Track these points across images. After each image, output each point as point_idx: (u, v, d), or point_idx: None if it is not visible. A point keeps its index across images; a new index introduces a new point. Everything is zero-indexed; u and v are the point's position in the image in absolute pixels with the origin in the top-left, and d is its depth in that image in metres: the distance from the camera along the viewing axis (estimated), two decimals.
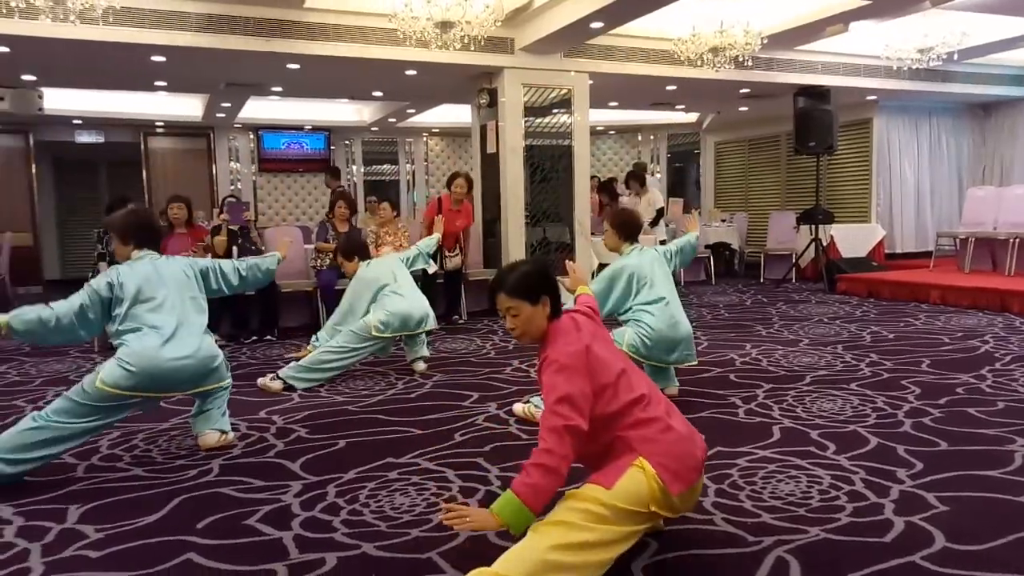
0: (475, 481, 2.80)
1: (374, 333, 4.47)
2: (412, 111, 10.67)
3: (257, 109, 10.22)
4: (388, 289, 4.66)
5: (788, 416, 3.56)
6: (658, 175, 12.55)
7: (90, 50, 6.06)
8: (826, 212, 8.95)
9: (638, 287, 3.82)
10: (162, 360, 2.95)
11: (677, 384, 4.01)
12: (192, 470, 3.00)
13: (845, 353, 4.98)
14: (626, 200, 8.45)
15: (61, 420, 2.84)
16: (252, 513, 2.56)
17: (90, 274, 5.66)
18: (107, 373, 2.89)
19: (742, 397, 3.92)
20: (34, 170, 10.75)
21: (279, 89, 8.50)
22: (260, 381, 4.36)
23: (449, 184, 6.88)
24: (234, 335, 6.07)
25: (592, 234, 7.65)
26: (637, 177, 8.31)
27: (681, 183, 13.21)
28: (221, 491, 2.77)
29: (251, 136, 11.68)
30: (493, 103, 7.25)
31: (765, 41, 6.79)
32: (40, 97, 8.53)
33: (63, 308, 2.96)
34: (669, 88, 8.61)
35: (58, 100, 8.99)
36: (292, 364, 4.47)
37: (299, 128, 11.71)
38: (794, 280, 9.38)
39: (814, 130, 8.55)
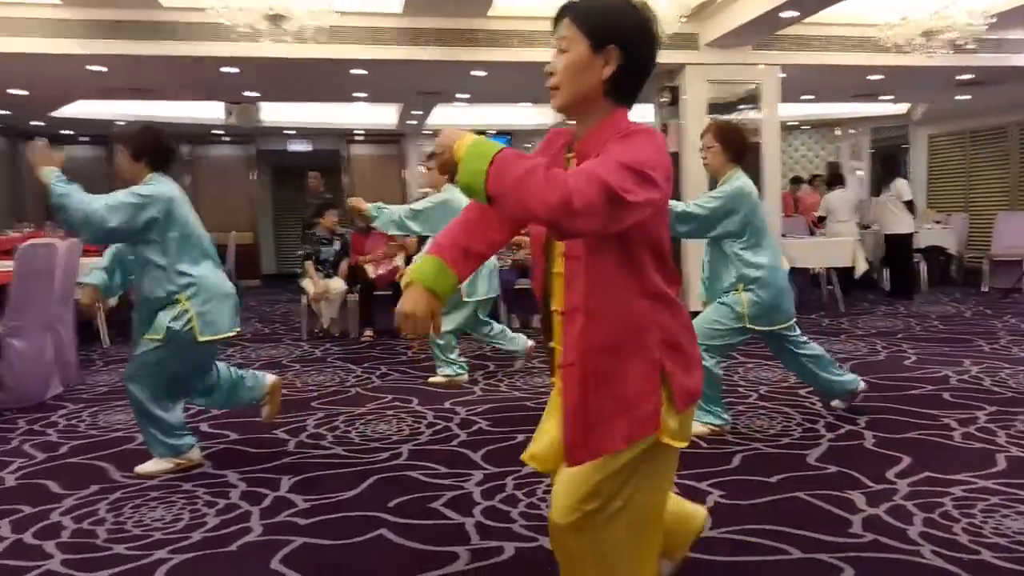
0: None
1: None
2: None
3: (444, 115, 10.77)
4: None
5: (1017, 444, 3.13)
6: (860, 173, 11.56)
7: (302, 66, 6.70)
8: None
9: (752, 227, 3.21)
10: None
11: None
12: (384, 452, 3.21)
13: None
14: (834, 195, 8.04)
15: None
16: (437, 497, 2.69)
17: (298, 270, 6.27)
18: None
19: (958, 419, 3.51)
20: (254, 176, 12.13)
21: (465, 96, 8.89)
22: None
23: None
24: None
25: (783, 235, 7.23)
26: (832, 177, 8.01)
27: (886, 182, 12.02)
28: (410, 474, 2.94)
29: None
30: (675, 101, 7.08)
31: (993, 20, 6.02)
32: (259, 111, 9.60)
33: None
34: (873, 78, 7.92)
35: (274, 113, 10.05)
36: None
37: (483, 132, 12.09)
38: None
39: None
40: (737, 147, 3.31)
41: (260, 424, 3.44)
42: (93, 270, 3.08)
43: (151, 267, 2.85)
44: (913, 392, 4.04)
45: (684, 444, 1.50)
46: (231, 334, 2.99)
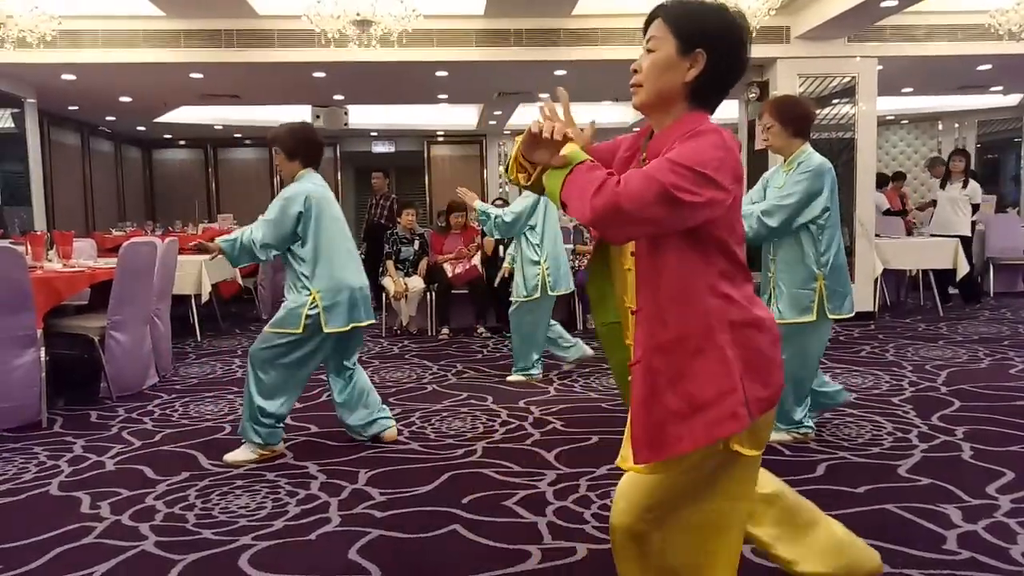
0: None
1: None
2: None
3: (525, 116, 10.80)
4: None
5: None
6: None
7: (387, 70, 6.86)
8: None
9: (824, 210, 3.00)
10: None
11: None
12: (459, 449, 3.25)
13: None
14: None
15: None
16: (510, 495, 2.69)
17: (380, 269, 6.43)
18: None
19: None
20: (339, 177, 12.51)
21: (546, 95, 8.89)
22: None
23: None
24: (498, 328, 6.47)
25: (877, 235, 6.89)
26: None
27: (994, 178, 11.28)
28: (483, 472, 2.96)
29: (517, 141, 12.40)
30: (763, 96, 6.85)
31: None
32: (346, 114, 9.90)
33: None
34: (981, 68, 7.45)
35: (359, 116, 10.34)
36: None
37: None
38: None
39: None
40: (799, 121, 3.07)
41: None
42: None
43: (289, 260, 3.12)
44: (1019, 403, 3.77)
45: (756, 453, 1.43)
46: (345, 328, 3.11)
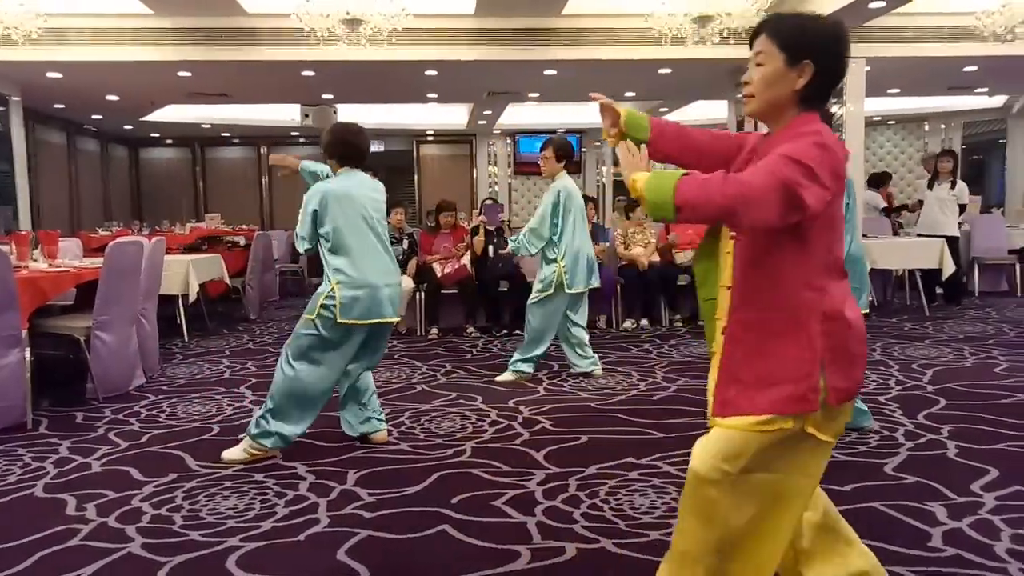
0: None
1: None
2: (664, 110, 10.54)
3: (514, 115, 10.82)
4: None
5: None
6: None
7: (376, 69, 6.85)
8: None
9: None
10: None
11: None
12: (448, 449, 3.24)
13: None
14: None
15: None
16: (499, 495, 2.69)
17: None
18: None
19: None
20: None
21: (536, 95, 8.90)
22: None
23: None
24: (487, 328, 6.47)
25: (864, 235, 6.93)
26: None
27: (979, 179, 11.39)
28: (473, 472, 2.96)
29: (508, 141, 12.40)
30: None
31: None
32: (335, 112, 9.87)
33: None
34: (967, 69, 7.52)
35: (349, 114, 10.31)
36: None
37: (552, 131, 12.15)
38: None
39: None
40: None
41: (328, 418, 3.53)
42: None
43: (319, 251, 3.23)
44: (1003, 401, 3.81)
45: (829, 439, 1.53)
46: (362, 322, 3.15)
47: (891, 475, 2.82)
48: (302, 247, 3.25)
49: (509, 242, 4.57)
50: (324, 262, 3.20)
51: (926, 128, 11.34)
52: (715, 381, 1.61)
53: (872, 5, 5.61)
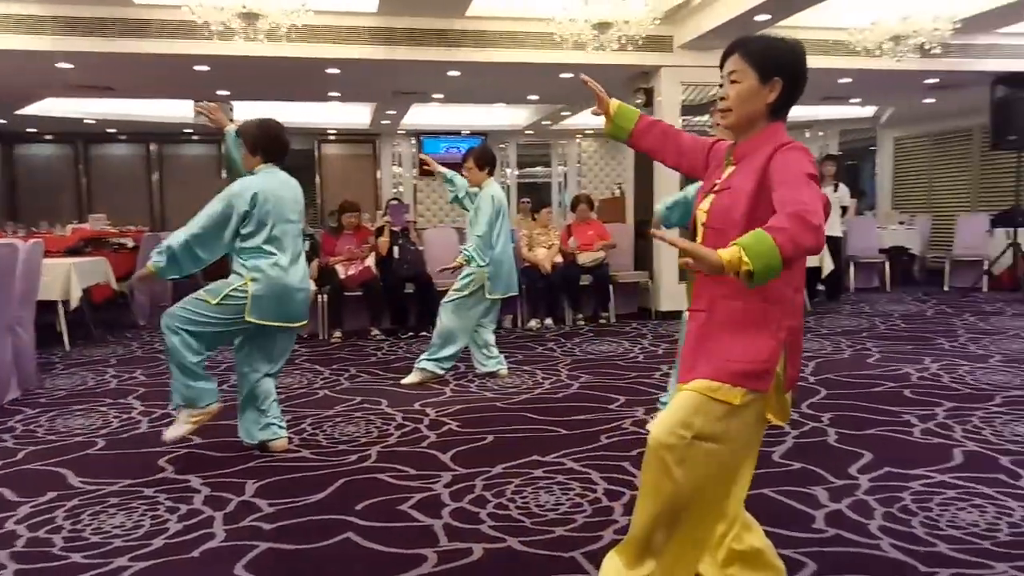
0: (621, 485, 2.76)
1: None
2: (567, 113, 10.73)
3: (419, 116, 10.73)
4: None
5: (973, 439, 3.20)
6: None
7: (275, 65, 6.63)
8: None
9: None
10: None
11: None
12: (353, 455, 3.19)
13: None
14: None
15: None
16: (405, 499, 2.67)
17: None
18: None
19: (918, 415, 3.58)
20: (224, 176, 11.98)
21: (440, 96, 8.86)
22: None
23: (573, 208, 7.11)
24: (393, 330, 6.40)
25: None
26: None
27: (853, 182, 12.25)
28: (378, 476, 2.92)
29: (412, 141, 12.30)
30: (649, 103, 7.13)
31: (958, 25, 6.14)
32: (231, 110, 9.48)
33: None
34: (842, 81, 8.04)
35: (246, 112, 9.92)
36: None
37: (457, 133, 12.16)
38: (985, 289, 8.43)
39: (1016, 122, 7.61)
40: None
41: (224, 428, 3.40)
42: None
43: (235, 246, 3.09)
44: (876, 389, 4.11)
45: (782, 422, 1.76)
46: (272, 324, 3.11)
47: (779, 462, 2.99)
48: (215, 253, 3.07)
49: (463, 252, 4.44)
50: (237, 260, 3.09)
51: (807, 135, 12.08)
52: (683, 355, 1.79)
53: (757, 18, 5.92)
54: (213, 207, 3.04)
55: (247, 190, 3.06)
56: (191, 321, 3.02)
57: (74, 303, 5.57)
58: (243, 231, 3.06)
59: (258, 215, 3.06)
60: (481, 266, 4.45)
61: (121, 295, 6.79)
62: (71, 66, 6.64)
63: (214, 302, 3.02)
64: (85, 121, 10.61)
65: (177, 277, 3.14)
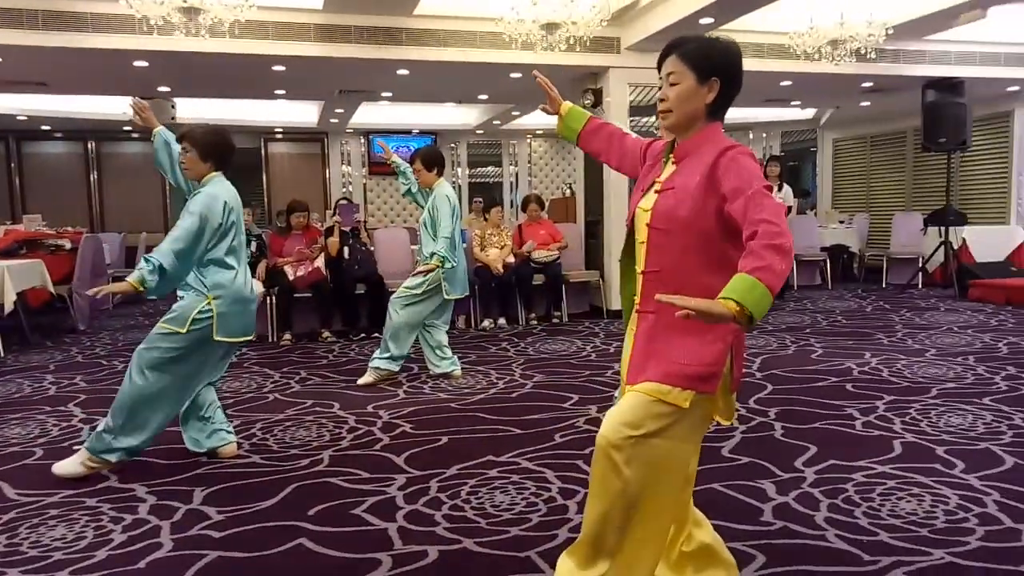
0: (575, 483, 2.79)
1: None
2: (517, 113, 10.76)
3: (368, 114, 10.60)
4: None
5: (911, 430, 3.33)
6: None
7: (218, 61, 6.47)
8: (958, 213, 8.33)
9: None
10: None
11: None
12: (304, 459, 3.14)
13: (977, 365, 4.61)
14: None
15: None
16: (359, 503, 2.65)
17: None
18: None
19: (860, 409, 3.70)
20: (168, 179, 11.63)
21: (389, 94, 8.78)
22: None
23: (524, 208, 7.16)
24: (344, 332, 6.32)
25: None
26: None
27: (795, 183, 12.62)
28: (331, 481, 2.88)
29: (362, 140, 12.15)
30: (598, 103, 7.20)
31: (891, 32, 6.39)
32: (173, 107, 9.21)
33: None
34: (783, 84, 8.27)
35: (189, 109, 9.67)
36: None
37: (407, 132, 12.07)
38: (920, 286, 8.78)
39: (945, 125, 7.96)
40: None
41: (170, 434, 3.31)
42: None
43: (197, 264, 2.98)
44: (819, 384, 4.24)
45: (728, 422, 1.78)
46: (243, 339, 3.07)
47: (727, 457, 3.06)
48: (190, 269, 2.94)
49: (438, 254, 4.35)
50: (196, 277, 2.97)
51: (750, 137, 12.40)
52: (630, 356, 1.79)
53: (702, 21, 6.04)
54: (190, 221, 2.89)
55: (216, 201, 2.95)
56: (167, 360, 2.92)
57: (8, 307, 5.34)
58: (209, 244, 2.97)
59: (225, 226, 2.99)
60: (453, 267, 4.44)
61: (59, 299, 6.54)
62: None
63: (184, 331, 2.90)
64: (18, 117, 10.18)
65: (156, 297, 3.06)
